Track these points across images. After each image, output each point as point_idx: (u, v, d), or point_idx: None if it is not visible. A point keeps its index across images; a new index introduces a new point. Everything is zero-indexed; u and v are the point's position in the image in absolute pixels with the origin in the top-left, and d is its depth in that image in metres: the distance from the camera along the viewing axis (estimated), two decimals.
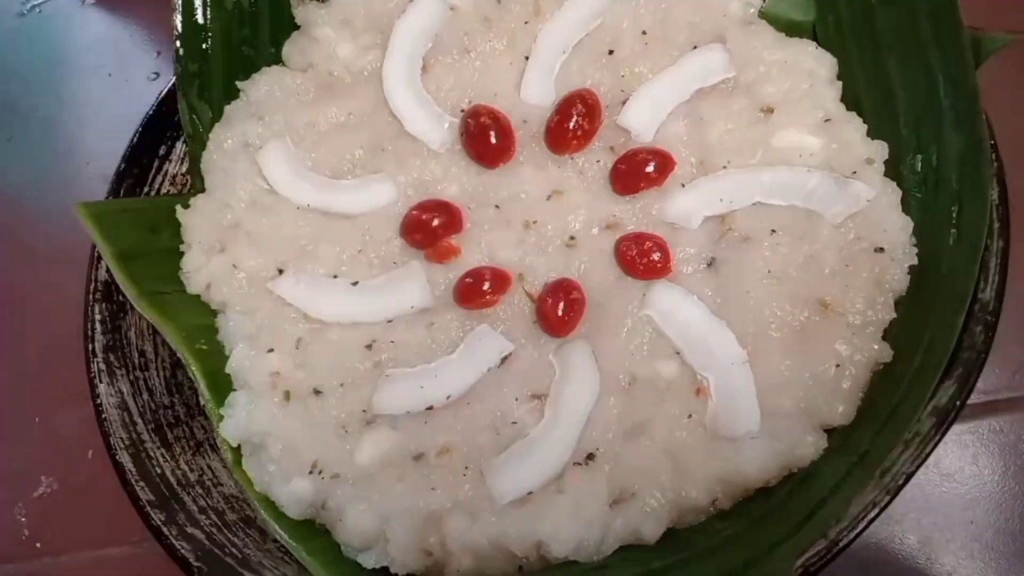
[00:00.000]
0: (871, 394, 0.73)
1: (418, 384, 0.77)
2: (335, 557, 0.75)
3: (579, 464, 0.73)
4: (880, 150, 0.80)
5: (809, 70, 0.84)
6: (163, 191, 0.93)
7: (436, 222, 0.84)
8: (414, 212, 0.85)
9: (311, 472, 0.76)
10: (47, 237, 1.21)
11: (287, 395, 0.79)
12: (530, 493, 0.72)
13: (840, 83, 0.85)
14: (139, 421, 0.81)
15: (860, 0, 0.84)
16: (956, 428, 0.89)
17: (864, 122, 0.82)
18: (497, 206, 0.85)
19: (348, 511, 0.74)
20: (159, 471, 0.78)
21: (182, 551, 0.73)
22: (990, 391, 0.91)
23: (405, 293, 0.82)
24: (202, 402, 0.81)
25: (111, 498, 0.82)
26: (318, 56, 0.93)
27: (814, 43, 0.87)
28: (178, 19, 0.93)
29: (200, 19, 0.94)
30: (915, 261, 0.76)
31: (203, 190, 0.90)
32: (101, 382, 0.81)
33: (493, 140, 0.86)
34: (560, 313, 0.78)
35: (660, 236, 0.81)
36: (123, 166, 0.90)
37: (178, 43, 0.93)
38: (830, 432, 0.72)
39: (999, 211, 0.72)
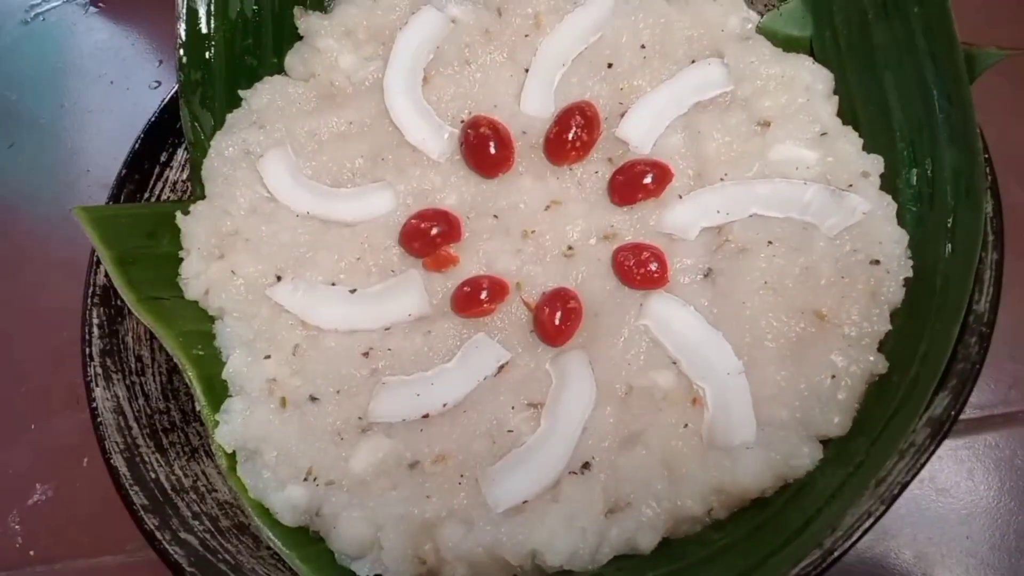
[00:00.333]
0: (866, 405, 0.73)
1: (414, 392, 0.78)
2: (329, 565, 0.74)
3: (575, 473, 0.73)
4: (876, 164, 0.81)
5: (806, 85, 0.85)
6: (163, 197, 0.94)
7: (435, 231, 0.84)
8: (413, 221, 0.85)
9: (306, 479, 0.76)
10: (46, 243, 1.22)
11: (283, 402, 0.79)
12: (525, 502, 0.71)
13: (836, 97, 0.86)
14: (134, 425, 0.80)
15: (857, 16, 0.85)
16: (952, 443, 0.89)
17: (860, 136, 0.83)
18: (496, 216, 0.86)
19: (342, 518, 0.74)
20: (153, 476, 0.78)
21: (175, 556, 0.72)
22: (985, 406, 0.91)
23: (403, 301, 0.82)
24: (198, 408, 0.81)
25: (105, 506, 0.81)
26: (320, 66, 0.94)
27: (811, 58, 0.88)
28: (182, 28, 0.94)
29: (204, 28, 0.95)
30: (910, 273, 0.76)
31: (203, 197, 0.91)
32: (97, 386, 0.81)
33: (492, 151, 0.86)
34: (557, 322, 0.78)
35: (657, 247, 0.81)
36: (124, 171, 0.91)
37: (181, 51, 0.94)
38: (825, 443, 0.72)
39: (993, 224, 0.73)
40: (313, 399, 0.79)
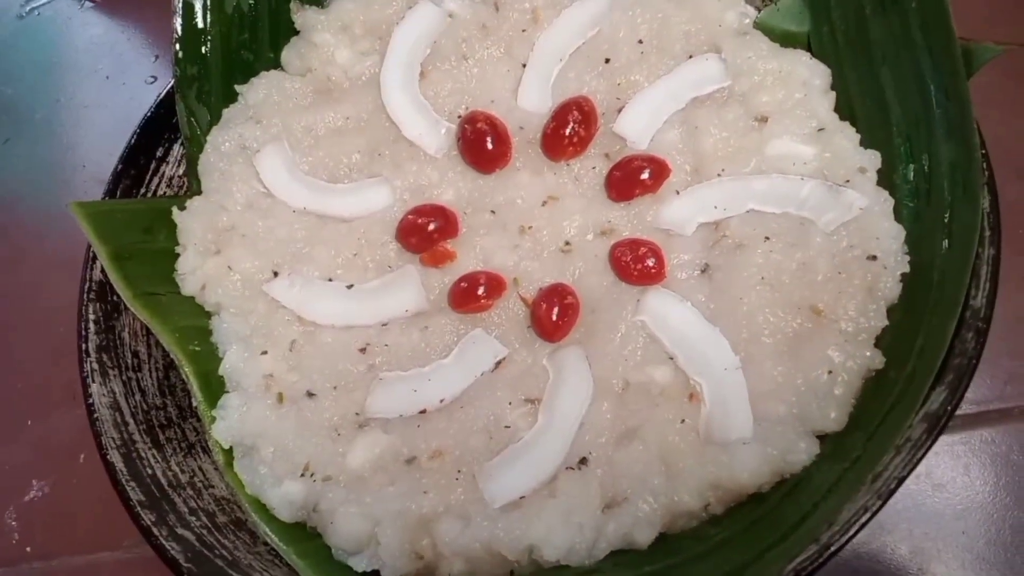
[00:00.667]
0: (863, 400, 0.73)
1: (411, 387, 0.78)
2: (326, 560, 0.74)
3: (572, 468, 0.73)
4: (873, 159, 0.81)
5: (803, 80, 0.85)
6: (159, 193, 0.93)
7: (432, 226, 0.84)
8: (410, 216, 0.85)
9: (303, 475, 0.76)
10: (42, 238, 1.22)
11: (280, 397, 0.79)
12: (522, 497, 0.71)
13: (834, 93, 0.86)
14: (131, 421, 0.80)
15: (854, 11, 0.85)
16: (948, 438, 0.89)
17: (857, 131, 0.83)
18: (493, 211, 0.86)
19: (339, 514, 0.73)
20: (150, 472, 0.78)
21: (172, 552, 0.72)
22: (981, 402, 0.92)
23: (400, 297, 0.82)
24: (194, 404, 0.81)
25: (102, 502, 0.81)
26: (317, 61, 0.94)
27: (808, 53, 0.88)
28: (178, 23, 0.93)
29: (200, 23, 0.94)
30: (907, 269, 0.76)
31: (199, 192, 0.91)
32: (94, 382, 0.81)
33: (490, 146, 0.86)
34: (554, 318, 0.78)
35: (655, 242, 0.81)
36: (120, 167, 0.90)
37: (177, 46, 0.93)
38: (822, 438, 0.72)
39: (990, 219, 0.73)
40: (310, 395, 0.79)
